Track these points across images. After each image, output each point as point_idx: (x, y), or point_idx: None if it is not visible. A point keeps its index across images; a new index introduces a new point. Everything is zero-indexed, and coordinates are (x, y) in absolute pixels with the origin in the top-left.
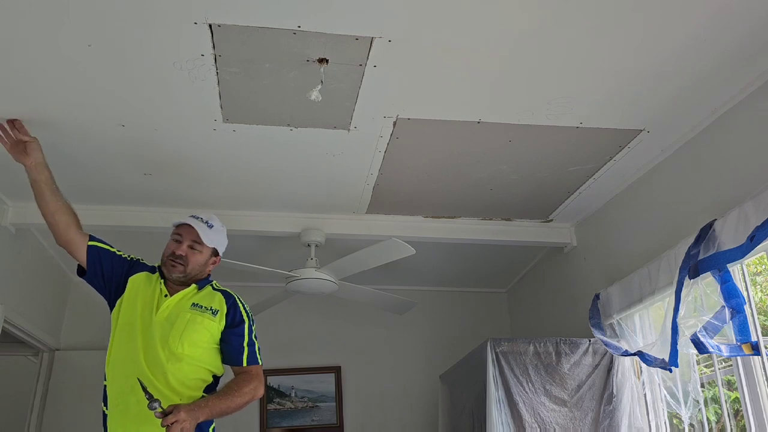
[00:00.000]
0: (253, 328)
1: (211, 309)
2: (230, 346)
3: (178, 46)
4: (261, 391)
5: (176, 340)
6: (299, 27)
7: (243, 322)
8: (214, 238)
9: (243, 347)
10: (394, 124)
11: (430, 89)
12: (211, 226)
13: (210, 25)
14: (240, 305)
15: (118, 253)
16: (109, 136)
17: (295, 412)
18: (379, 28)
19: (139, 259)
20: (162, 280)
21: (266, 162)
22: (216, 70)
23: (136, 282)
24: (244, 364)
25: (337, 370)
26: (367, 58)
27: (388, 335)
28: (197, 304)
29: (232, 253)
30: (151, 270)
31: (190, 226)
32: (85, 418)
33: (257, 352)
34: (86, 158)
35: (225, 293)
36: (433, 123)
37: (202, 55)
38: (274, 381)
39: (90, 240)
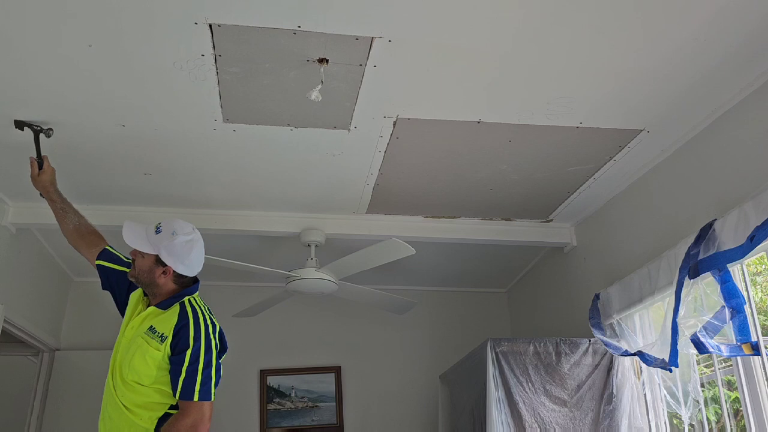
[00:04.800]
0: (201, 355)
1: (161, 335)
2: (171, 374)
3: (178, 46)
4: (197, 431)
5: (126, 367)
6: (299, 27)
7: (186, 348)
8: (149, 244)
9: (179, 378)
10: (394, 124)
11: (430, 89)
12: (158, 231)
13: (210, 25)
14: (191, 329)
15: (124, 269)
16: (109, 136)
17: (295, 412)
18: (379, 28)
19: None
20: (146, 298)
21: (266, 162)
22: (216, 70)
23: (132, 298)
24: (177, 396)
25: (337, 370)
26: (367, 58)
27: (388, 335)
28: (153, 327)
29: (233, 253)
30: None
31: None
32: (85, 418)
33: (197, 384)
34: (86, 158)
35: (183, 314)
36: (433, 123)
37: (202, 55)
38: (274, 381)
39: (97, 258)
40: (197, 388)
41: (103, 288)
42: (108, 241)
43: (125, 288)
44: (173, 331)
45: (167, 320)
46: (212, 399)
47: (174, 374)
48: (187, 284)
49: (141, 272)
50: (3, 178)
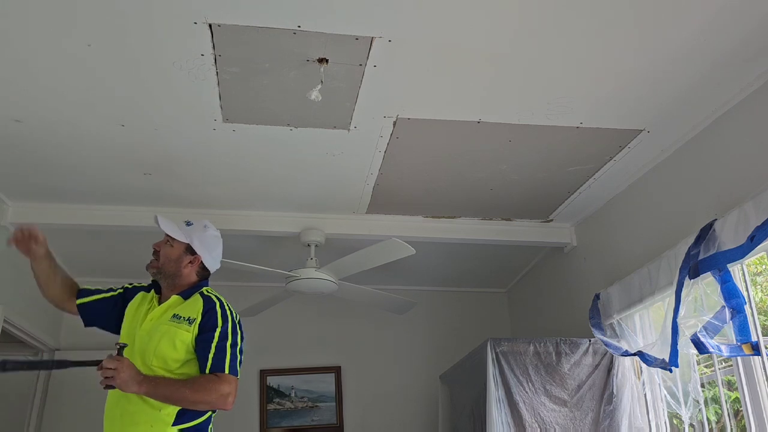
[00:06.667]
0: (228, 335)
1: (188, 319)
2: (198, 353)
3: (178, 46)
4: (227, 401)
5: (151, 354)
6: (299, 27)
7: (215, 327)
8: (183, 233)
9: (209, 353)
10: (394, 124)
11: (430, 89)
12: (189, 224)
13: (210, 25)
14: (218, 311)
15: (107, 295)
16: (109, 136)
17: (295, 412)
18: (379, 28)
19: (130, 285)
20: (157, 296)
21: (266, 162)
22: (216, 70)
23: (131, 307)
24: (207, 371)
25: (337, 370)
26: (367, 58)
27: (388, 335)
28: (177, 315)
29: (233, 253)
30: (147, 289)
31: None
32: (84, 418)
33: (227, 359)
34: (86, 158)
35: (207, 299)
36: (433, 123)
37: (202, 55)
38: (274, 381)
39: (77, 298)
40: (227, 362)
41: (87, 325)
42: (106, 239)
43: (114, 313)
44: (201, 312)
45: (191, 307)
46: (238, 377)
47: (202, 351)
48: (204, 278)
49: (167, 261)
50: (3, 178)
